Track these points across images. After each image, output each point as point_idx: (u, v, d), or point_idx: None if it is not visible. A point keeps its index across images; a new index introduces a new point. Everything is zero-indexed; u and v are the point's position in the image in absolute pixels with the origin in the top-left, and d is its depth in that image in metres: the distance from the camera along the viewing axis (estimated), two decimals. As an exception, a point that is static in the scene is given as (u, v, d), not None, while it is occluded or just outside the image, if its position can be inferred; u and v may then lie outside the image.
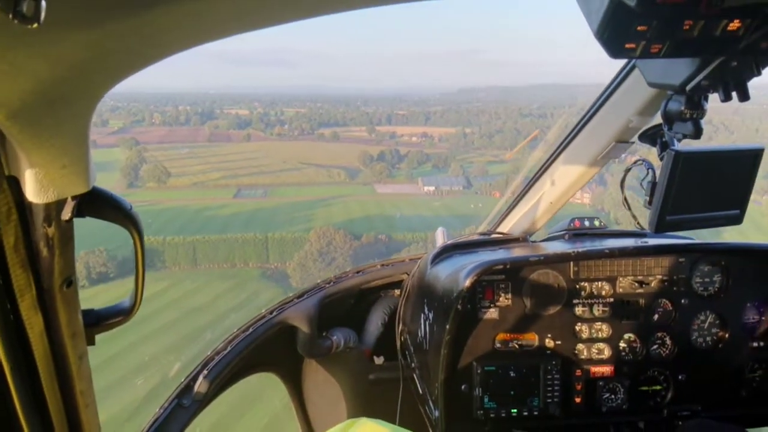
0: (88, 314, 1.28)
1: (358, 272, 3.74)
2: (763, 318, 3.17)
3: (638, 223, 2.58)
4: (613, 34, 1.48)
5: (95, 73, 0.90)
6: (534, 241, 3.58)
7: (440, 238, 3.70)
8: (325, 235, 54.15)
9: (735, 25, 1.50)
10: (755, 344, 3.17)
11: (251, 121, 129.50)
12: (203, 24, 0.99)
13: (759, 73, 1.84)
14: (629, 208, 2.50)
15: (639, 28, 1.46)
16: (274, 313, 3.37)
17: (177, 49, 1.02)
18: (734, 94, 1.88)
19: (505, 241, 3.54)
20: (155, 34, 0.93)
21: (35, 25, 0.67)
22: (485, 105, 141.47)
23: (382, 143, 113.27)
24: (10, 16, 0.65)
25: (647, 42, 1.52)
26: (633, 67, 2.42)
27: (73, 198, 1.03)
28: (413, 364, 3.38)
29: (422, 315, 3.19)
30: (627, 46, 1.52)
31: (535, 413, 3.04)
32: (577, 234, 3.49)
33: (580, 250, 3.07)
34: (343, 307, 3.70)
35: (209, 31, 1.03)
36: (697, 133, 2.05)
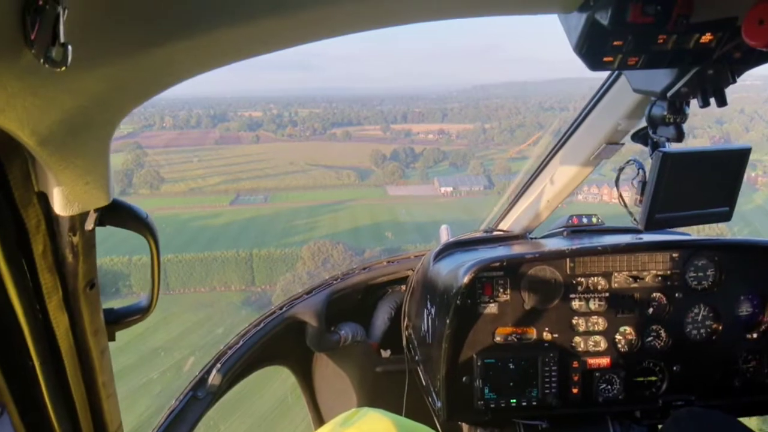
0: (108, 313, 1.33)
1: (364, 269, 3.69)
2: (756, 311, 3.13)
3: (635, 219, 2.37)
4: (591, 49, 1.52)
5: (113, 102, 0.96)
6: (533, 238, 3.50)
7: (444, 236, 3.64)
8: (321, 251, 42.81)
9: (707, 38, 1.54)
10: (748, 336, 3.12)
11: (263, 123, 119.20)
12: (213, 53, 1.05)
13: (734, 81, 1.85)
14: (625, 205, 2.37)
15: (615, 43, 1.50)
16: (284, 309, 3.33)
17: (189, 76, 1.07)
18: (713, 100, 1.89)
19: (505, 239, 3.49)
20: (167, 66, 0.99)
21: (63, 68, 0.74)
22: (504, 101, 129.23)
23: (397, 141, 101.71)
24: (42, 61, 0.72)
25: (624, 55, 1.56)
26: (620, 74, 2.40)
27: (95, 210, 1.08)
28: (417, 357, 3.36)
29: (425, 310, 3.17)
30: (605, 59, 1.57)
31: (534, 403, 3.01)
32: (575, 231, 3.43)
33: (574, 247, 3.03)
34: (351, 302, 3.65)
35: (219, 59, 1.08)
36: (679, 137, 2.06)
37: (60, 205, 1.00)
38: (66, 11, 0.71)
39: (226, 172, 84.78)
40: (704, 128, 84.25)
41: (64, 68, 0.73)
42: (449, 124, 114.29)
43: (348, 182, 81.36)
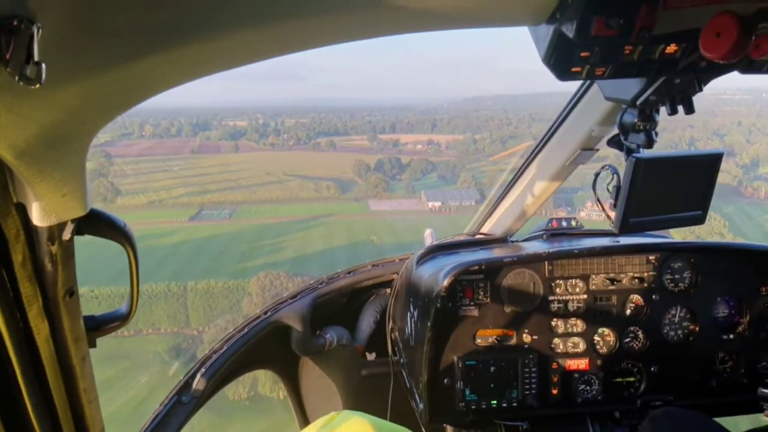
0: (89, 320, 1.31)
1: (349, 273, 3.60)
2: (732, 312, 3.09)
3: (612, 223, 2.40)
4: (559, 60, 1.50)
5: (89, 115, 0.95)
6: (514, 241, 3.45)
7: (428, 239, 3.54)
8: (273, 285, 32.32)
9: (672, 48, 1.54)
10: (725, 337, 3.08)
11: (247, 132, 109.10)
12: (187, 66, 1.04)
13: (701, 89, 1.86)
14: (603, 209, 2.33)
15: (582, 54, 1.49)
16: (269, 313, 3.25)
17: (165, 88, 1.05)
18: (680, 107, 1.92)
19: (487, 242, 3.44)
20: (144, 79, 0.98)
21: (37, 86, 0.72)
22: (494, 112, 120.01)
23: (384, 151, 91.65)
24: (17, 79, 0.71)
25: (591, 66, 1.55)
26: (593, 82, 2.40)
27: (73, 221, 1.07)
28: (402, 360, 3.30)
29: (408, 313, 3.12)
30: (573, 70, 1.55)
31: (514, 404, 2.97)
32: (554, 234, 3.40)
33: (551, 250, 3.01)
34: (336, 306, 3.56)
35: (193, 71, 1.07)
36: (649, 144, 2.06)
37: (38, 216, 0.99)
38: (40, 30, 0.70)
39: (194, 183, 74.36)
40: (704, 140, 77.44)
41: (38, 85, 0.72)
42: (438, 135, 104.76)
43: (327, 195, 71.11)
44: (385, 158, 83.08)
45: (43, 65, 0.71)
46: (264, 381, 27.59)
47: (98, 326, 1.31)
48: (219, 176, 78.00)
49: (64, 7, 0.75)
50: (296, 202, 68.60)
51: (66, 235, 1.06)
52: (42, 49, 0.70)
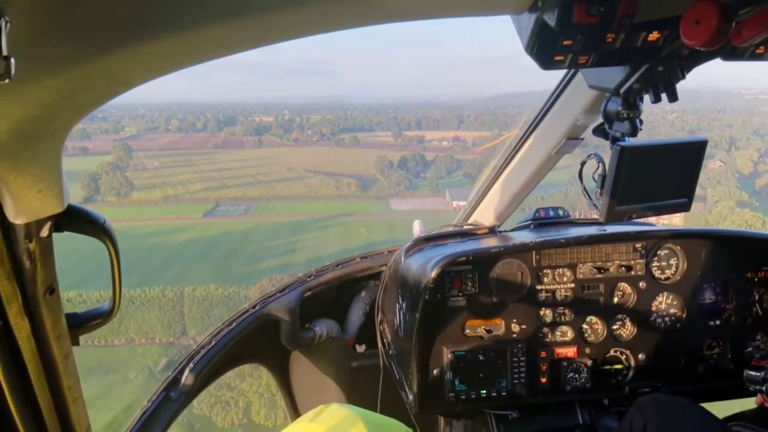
0: (71, 317, 1.28)
1: (338, 265, 3.54)
2: (718, 298, 3.08)
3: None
4: (542, 49, 1.49)
5: (63, 110, 0.92)
6: (502, 231, 3.42)
7: (417, 230, 3.52)
8: (277, 294, 28.18)
9: (654, 36, 1.53)
10: (711, 323, 3.08)
11: (272, 128, 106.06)
12: (160, 59, 1.00)
13: (683, 77, 1.84)
14: (590, 198, 2.26)
15: (565, 42, 1.47)
16: (257, 307, 3.21)
17: (142, 81, 1.02)
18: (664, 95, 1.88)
19: (474, 233, 3.38)
20: (119, 72, 0.94)
21: (6, 81, 0.69)
22: (522, 109, 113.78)
23: (408, 148, 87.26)
24: None
25: (574, 54, 1.54)
26: (577, 71, 2.38)
27: (50, 218, 1.05)
28: (391, 352, 3.27)
29: (397, 305, 3.10)
30: (556, 58, 1.54)
31: (503, 394, 2.95)
32: (542, 223, 3.36)
33: (539, 240, 2.99)
34: (326, 299, 3.52)
35: (171, 64, 1.04)
36: (633, 132, 2.03)
37: (13, 214, 0.96)
38: (9, 24, 0.67)
39: (213, 178, 71.37)
40: (744, 140, 72.27)
41: (7, 81, 0.69)
42: (465, 132, 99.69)
43: (347, 192, 67.44)
44: (409, 155, 78.90)
45: (13, 60, 0.68)
46: (258, 407, 24.04)
47: (81, 324, 1.28)
48: (239, 171, 75.12)
49: (34, 0, 0.72)
50: (315, 199, 65.16)
51: (44, 232, 1.03)
52: (12, 43, 0.67)
